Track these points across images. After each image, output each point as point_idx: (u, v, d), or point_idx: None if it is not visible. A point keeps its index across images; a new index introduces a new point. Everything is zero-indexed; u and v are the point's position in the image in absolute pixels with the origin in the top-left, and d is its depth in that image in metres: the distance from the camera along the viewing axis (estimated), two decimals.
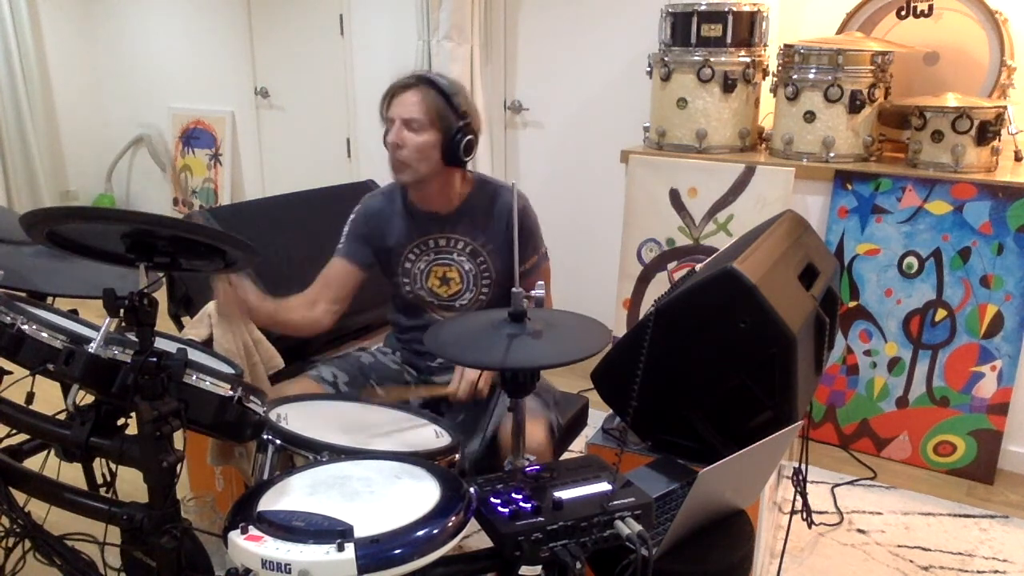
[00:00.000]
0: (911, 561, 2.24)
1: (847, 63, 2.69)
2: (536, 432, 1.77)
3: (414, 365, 2.06)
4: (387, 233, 1.98)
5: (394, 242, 1.97)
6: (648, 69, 3.03)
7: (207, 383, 1.30)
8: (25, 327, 1.32)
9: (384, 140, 1.87)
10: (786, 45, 2.83)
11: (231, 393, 1.31)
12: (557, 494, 1.23)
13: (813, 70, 2.72)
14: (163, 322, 1.47)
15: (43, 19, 5.04)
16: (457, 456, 1.55)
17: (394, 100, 1.84)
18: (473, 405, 1.88)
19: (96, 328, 1.31)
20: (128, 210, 1.20)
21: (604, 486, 1.27)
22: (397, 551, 1.07)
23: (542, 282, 1.50)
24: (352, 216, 2.03)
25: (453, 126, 1.82)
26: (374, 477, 1.26)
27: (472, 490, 1.23)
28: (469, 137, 1.85)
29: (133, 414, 1.27)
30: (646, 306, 3.08)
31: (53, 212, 1.23)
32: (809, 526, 2.35)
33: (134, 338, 1.24)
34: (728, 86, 2.85)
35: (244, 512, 1.15)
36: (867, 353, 2.77)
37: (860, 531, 2.38)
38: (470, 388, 1.82)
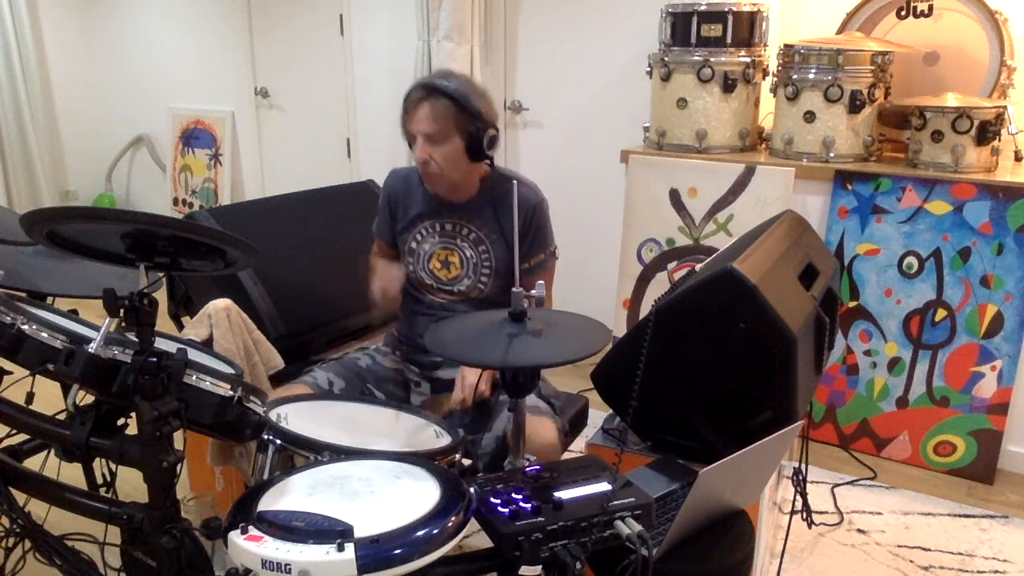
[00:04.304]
0: (911, 561, 2.24)
1: (847, 63, 2.69)
2: (546, 432, 1.79)
3: (414, 361, 2.06)
4: (403, 211, 2.03)
5: (405, 220, 2.02)
6: (648, 69, 3.03)
7: (207, 383, 1.30)
8: (25, 327, 1.32)
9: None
10: (786, 45, 2.83)
11: (231, 393, 1.31)
12: (557, 494, 1.23)
13: (813, 70, 2.72)
14: (163, 322, 1.47)
15: (43, 19, 5.04)
16: (458, 456, 1.55)
17: (411, 116, 1.85)
18: (479, 405, 1.89)
19: (96, 328, 1.31)
20: (128, 210, 1.20)
21: (604, 486, 1.27)
22: (397, 551, 1.07)
23: (542, 281, 1.49)
24: (380, 193, 2.09)
25: (470, 127, 1.84)
26: (374, 477, 1.26)
27: (472, 490, 1.23)
28: (490, 132, 1.86)
29: (133, 414, 1.27)
30: (646, 306, 3.08)
31: (53, 212, 1.23)
32: (809, 526, 2.35)
33: (134, 338, 1.24)
34: (728, 86, 2.85)
35: (244, 512, 1.15)
36: (867, 353, 2.77)
37: (860, 531, 2.38)
38: (471, 391, 1.84)
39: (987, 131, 2.52)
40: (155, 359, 1.22)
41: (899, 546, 2.31)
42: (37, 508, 1.47)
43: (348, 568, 1.04)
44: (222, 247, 1.30)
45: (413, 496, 1.20)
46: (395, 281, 1.97)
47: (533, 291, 1.44)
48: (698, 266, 2.12)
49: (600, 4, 3.47)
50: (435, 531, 1.11)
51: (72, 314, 1.59)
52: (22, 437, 1.57)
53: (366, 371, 2.01)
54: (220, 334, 2.02)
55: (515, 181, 1.54)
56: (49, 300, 1.91)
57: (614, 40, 3.48)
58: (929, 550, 2.29)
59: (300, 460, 1.43)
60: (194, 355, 1.38)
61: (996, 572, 2.21)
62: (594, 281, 3.55)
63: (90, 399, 1.35)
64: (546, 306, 2.01)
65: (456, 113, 1.82)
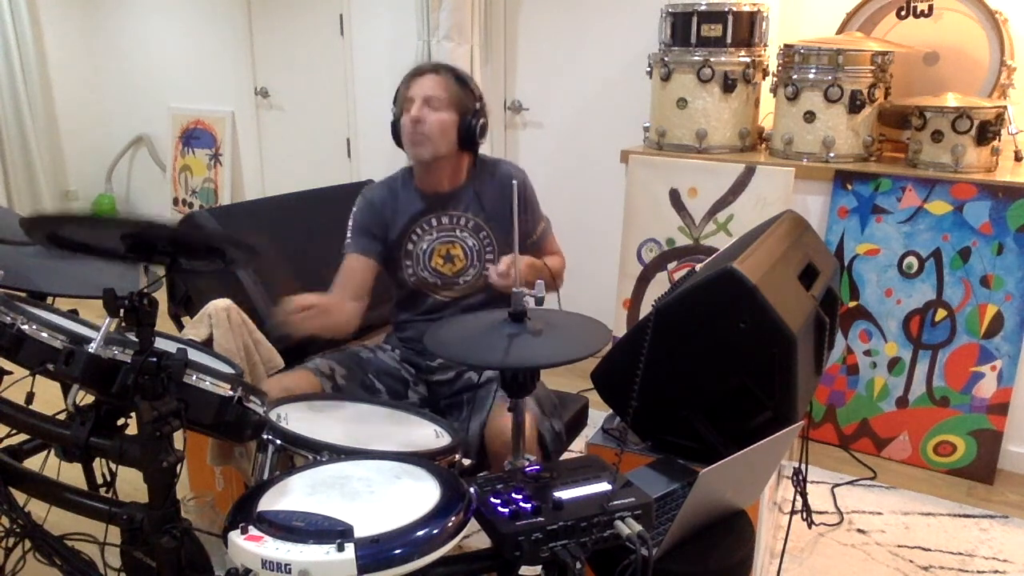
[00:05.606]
0: (911, 561, 2.24)
1: (847, 63, 2.68)
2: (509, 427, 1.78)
3: (412, 363, 2.06)
4: (390, 219, 2.02)
5: (399, 226, 2.01)
6: (648, 69, 3.03)
7: (207, 383, 1.30)
8: (25, 327, 1.32)
9: (395, 123, 1.98)
10: (786, 45, 2.83)
11: (231, 393, 1.31)
12: (557, 494, 1.23)
13: (813, 70, 2.72)
14: (163, 322, 1.47)
15: (43, 19, 5.04)
16: (457, 456, 1.55)
17: (413, 81, 1.95)
18: (474, 396, 1.89)
19: (96, 328, 1.31)
20: (128, 217, 1.21)
21: (604, 486, 1.27)
22: (397, 551, 1.07)
23: (542, 281, 1.49)
24: (354, 210, 2.06)
25: (470, 108, 1.93)
26: (374, 477, 1.26)
27: (472, 490, 1.23)
28: (483, 120, 1.96)
29: (133, 414, 1.27)
30: (646, 306, 3.08)
31: (53, 218, 1.23)
32: (809, 526, 2.35)
33: (134, 338, 1.24)
34: (728, 86, 2.85)
35: (244, 512, 1.15)
36: (867, 353, 2.77)
37: (860, 531, 2.38)
38: (507, 276, 1.79)
39: (987, 131, 2.52)
40: (155, 359, 1.22)
41: (899, 546, 2.31)
42: (37, 508, 1.47)
43: (348, 568, 1.04)
44: (221, 247, 1.30)
45: (413, 496, 1.20)
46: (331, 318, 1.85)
47: (534, 290, 1.44)
48: (698, 266, 2.13)
49: (600, 4, 3.47)
50: (435, 531, 1.11)
51: (72, 314, 1.59)
52: (22, 437, 1.57)
53: (367, 362, 2.01)
54: (220, 334, 2.02)
55: (514, 182, 1.54)
56: (49, 300, 1.91)
57: (614, 40, 3.48)
58: (929, 550, 2.29)
59: (300, 460, 1.43)
60: (194, 355, 1.38)
61: (996, 572, 2.20)
62: (594, 281, 3.55)
63: (90, 399, 1.35)
64: (562, 263, 2.12)
65: (460, 92, 1.93)
